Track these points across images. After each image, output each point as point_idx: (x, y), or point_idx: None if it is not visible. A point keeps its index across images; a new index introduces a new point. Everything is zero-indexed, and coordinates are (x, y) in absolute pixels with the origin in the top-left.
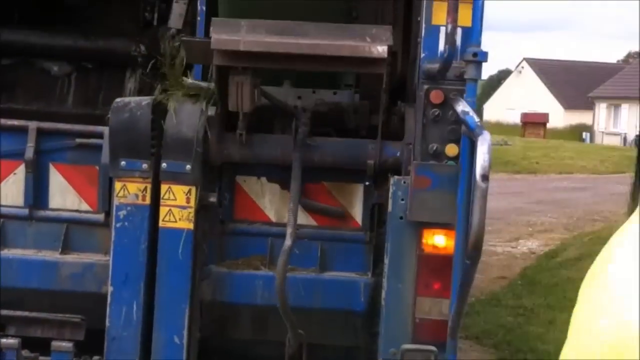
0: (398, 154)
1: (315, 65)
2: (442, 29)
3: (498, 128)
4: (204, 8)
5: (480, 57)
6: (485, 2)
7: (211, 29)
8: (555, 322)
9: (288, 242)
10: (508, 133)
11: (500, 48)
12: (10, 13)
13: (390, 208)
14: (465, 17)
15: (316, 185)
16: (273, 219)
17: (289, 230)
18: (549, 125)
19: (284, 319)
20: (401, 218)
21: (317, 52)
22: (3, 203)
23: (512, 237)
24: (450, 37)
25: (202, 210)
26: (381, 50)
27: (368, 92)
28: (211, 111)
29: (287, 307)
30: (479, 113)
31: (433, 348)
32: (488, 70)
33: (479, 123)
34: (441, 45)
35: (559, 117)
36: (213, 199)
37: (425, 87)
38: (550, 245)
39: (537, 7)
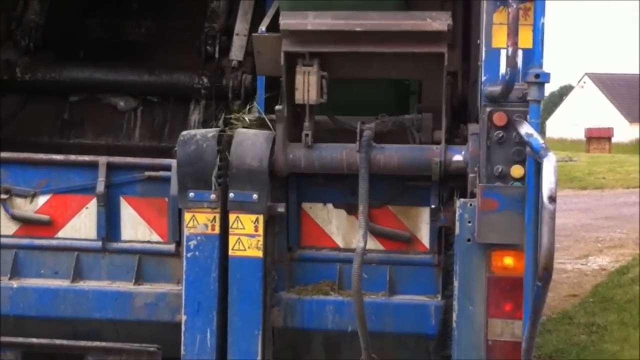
0: (463, 153)
1: (379, 46)
2: (503, 52)
3: (562, 144)
4: None
5: (542, 78)
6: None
7: (280, 17)
8: (629, 340)
9: (361, 243)
10: (572, 149)
11: (561, 63)
12: (77, 51)
13: (457, 230)
14: (525, 38)
15: (381, 210)
16: (341, 244)
17: (360, 232)
18: (613, 140)
19: (360, 335)
20: (469, 240)
21: (380, 28)
22: (77, 236)
23: (581, 254)
24: (511, 60)
25: (271, 236)
26: (441, 25)
27: (431, 96)
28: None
29: (363, 317)
30: (542, 130)
31: None
32: (549, 86)
33: (543, 145)
34: (502, 68)
35: (624, 131)
36: (281, 209)
37: (488, 109)
38: (620, 261)
39: (596, 23)
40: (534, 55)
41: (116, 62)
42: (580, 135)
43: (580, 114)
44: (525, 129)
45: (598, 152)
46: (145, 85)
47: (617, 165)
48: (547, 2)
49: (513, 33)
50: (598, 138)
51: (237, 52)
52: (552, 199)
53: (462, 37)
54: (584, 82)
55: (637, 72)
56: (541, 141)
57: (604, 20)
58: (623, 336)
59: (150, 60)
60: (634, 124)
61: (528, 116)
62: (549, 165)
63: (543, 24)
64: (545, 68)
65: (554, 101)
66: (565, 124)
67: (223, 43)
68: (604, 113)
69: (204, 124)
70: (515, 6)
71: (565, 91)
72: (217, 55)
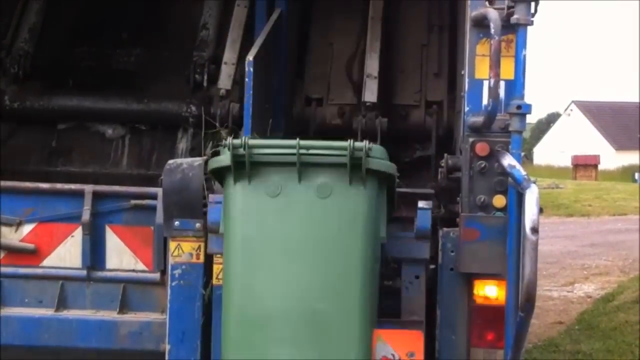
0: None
1: None
2: (486, 83)
3: (549, 171)
4: (251, 69)
5: (524, 110)
6: (533, 45)
7: None
8: None
9: None
10: (559, 176)
11: (548, 91)
12: (66, 80)
13: (440, 260)
14: (507, 70)
15: None
16: None
17: None
18: (600, 167)
19: None
20: (451, 270)
21: None
22: (61, 265)
23: (567, 281)
24: (493, 91)
25: None
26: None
27: None
28: None
29: None
30: (530, 157)
31: None
32: (537, 113)
33: (525, 176)
34: (485, 99)
35: (610, 159)
36: None
37: (471, 140)
38: (606, 289)
39: (584, 51)
40: (516, 86)
41: (105, 91)
42: (567, 163)
43: (567, 141)
44: (508, 160)
45: (585, 179)
46: (133, 114)
47: (603, 193)
48: (538, 28)
49: (495, 64)
50: (585, 165)
51: (225, 81)
52: (535, 230)
53: (449, 67)
54: (571, 110)
55: (622, 100)
56: (523, 172)
57: (592, 49)
58: None
59: (140, 88)
60: (620, 151)
61: (510, 147)
62: (532, 197)
63: (525, 55)
64: (533, 96)
65: (541, 128)
66: (552, 151)
67: (211, 72)
68: (590, 140)
69: (192, 152)
70: (497, 38)
71: (552, 118)
72: (205, 84)
